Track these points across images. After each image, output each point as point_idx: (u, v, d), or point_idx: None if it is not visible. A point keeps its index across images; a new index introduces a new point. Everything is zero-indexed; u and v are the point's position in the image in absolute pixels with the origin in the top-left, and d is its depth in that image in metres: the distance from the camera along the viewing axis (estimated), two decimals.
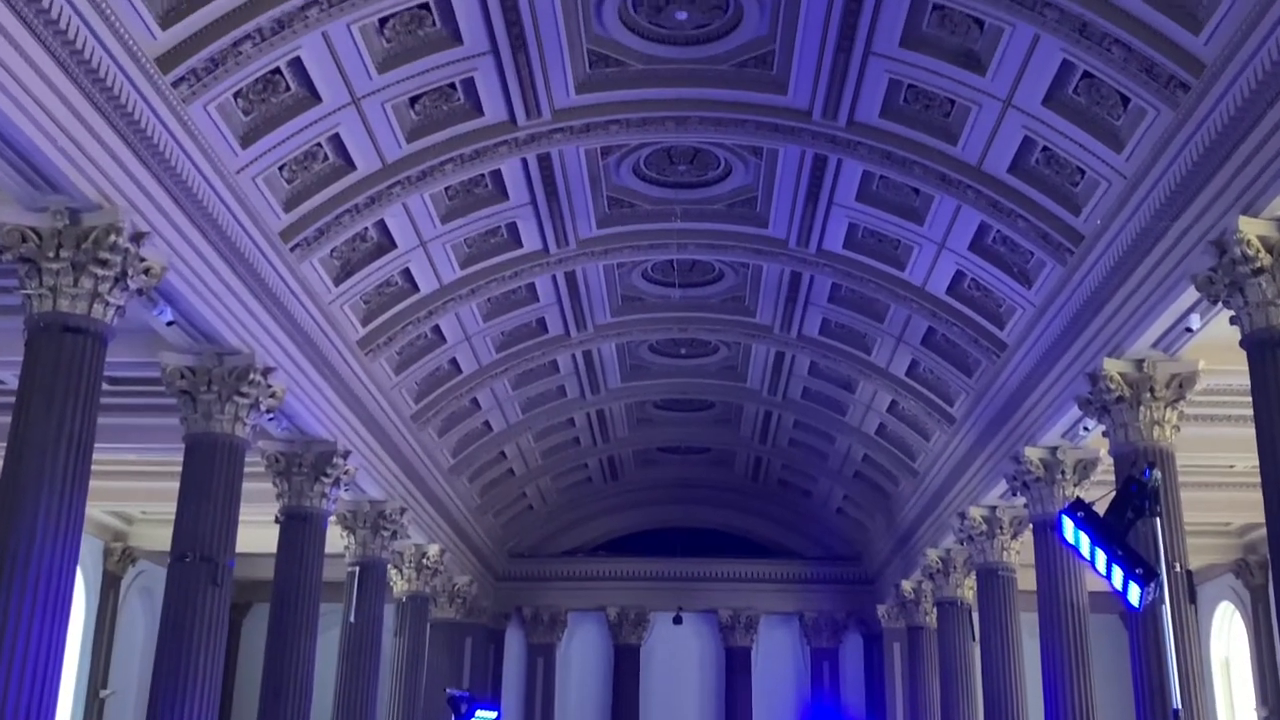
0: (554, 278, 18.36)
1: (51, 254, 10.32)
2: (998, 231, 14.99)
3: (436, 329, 18.49)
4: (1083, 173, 13.10)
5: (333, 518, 17.54)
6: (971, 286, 16.58)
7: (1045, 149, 13.26)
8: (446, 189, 15.37)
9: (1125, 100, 11.81)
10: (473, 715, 15.78)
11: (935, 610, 23.06)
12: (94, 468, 10.68)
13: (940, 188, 14.61)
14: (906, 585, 24.90)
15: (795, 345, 20.75)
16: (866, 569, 28.92)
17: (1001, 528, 19.24)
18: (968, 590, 21.70)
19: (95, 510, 21.66)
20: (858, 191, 15.77)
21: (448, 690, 16.51)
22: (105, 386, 11.13)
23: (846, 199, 16.00)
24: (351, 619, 18.44)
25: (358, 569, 18.95)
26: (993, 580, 19.10)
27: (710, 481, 29.44)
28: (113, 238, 10.49)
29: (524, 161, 15.16)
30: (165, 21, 10.63)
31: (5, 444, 10.31)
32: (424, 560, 22.67)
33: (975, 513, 19.37)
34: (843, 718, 27.81)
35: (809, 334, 20.26)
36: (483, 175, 15.36)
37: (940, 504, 21.64)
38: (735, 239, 17.63)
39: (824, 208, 16.29)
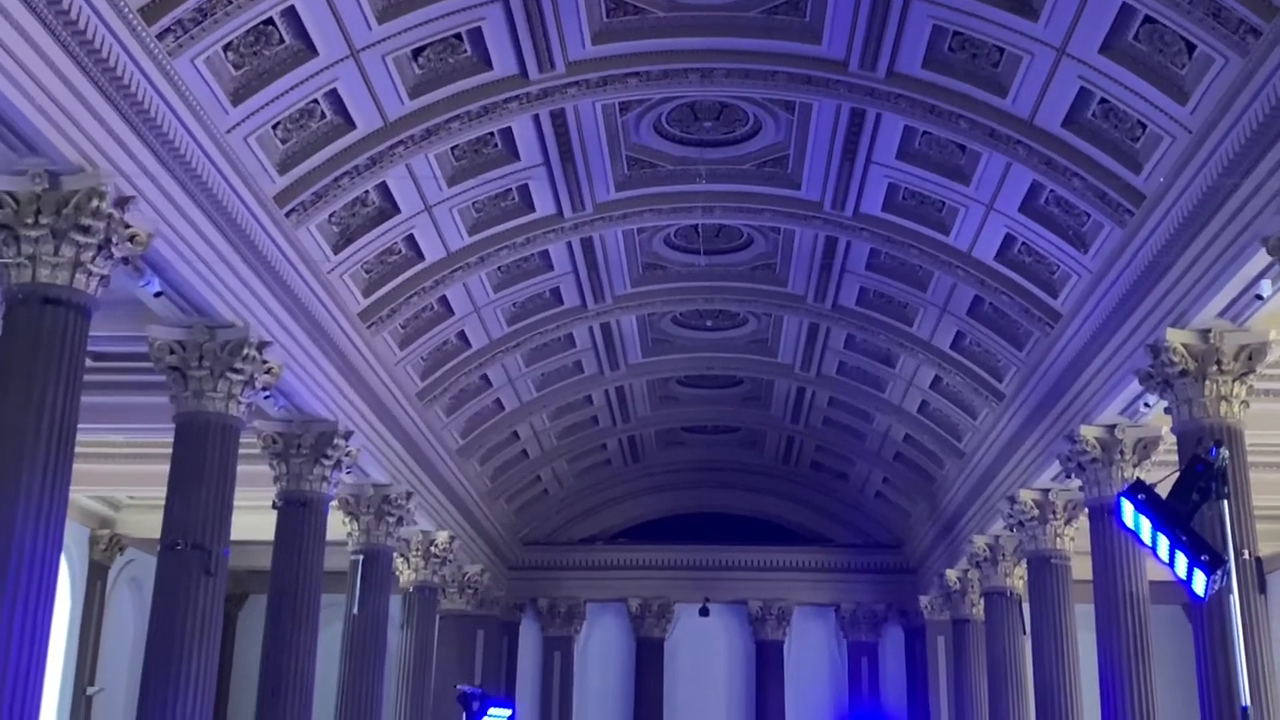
0: (569, 244, 18.32)
1: (30, 220, 10.33)
2: (1051, 191, 14.85)
3: (443, 300, 18.49)
4: (1144, 127, 12.94)
5: (334, 503, 17.61)
6: (1022, 252, 16.45)
7: (1103, 101, 13.11)
8: (453, 149, 15.33)
9: (1190, 47, 11.65)
10: (485, 713, 15.89)
11: (983, 601, 23.04)
12: (78, 450, 10.71)
13: (988, 144, 14.47)
14: (951, 575, 24.87)
15: (830, 317, 20.67)
16: (908, 557, 28.90)
17: (1055, 512, 19.16)
18: (1018, 580, 21.67)
19: (80, 496, 21.80)
20: (898, 149, 15.65)
21: (458, 686, 16.62)
22: (89, 363, 11.15)
23: (886, 157, 15.87)
24: (355, 611, 18.52)
25: (361, 557, 19.00)
26: (1045, 569, 19.03)
27: (738, 464, 29.43)
28: (95, 203, 10.49)
29: (536, 119, 15.09)
30: None
31: None
32: (432, 548, 22.76)
33: (1026, 496, 19.29)
34: (883, 715, 27.82)
35: (845, 304, 20.17)
36: (492, 134, 15.30)
37: (988, 487, 21.57)
38: (765, 201, 17.53)
39: (861, 167, 16.17)
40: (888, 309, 19.88)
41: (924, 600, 27.33)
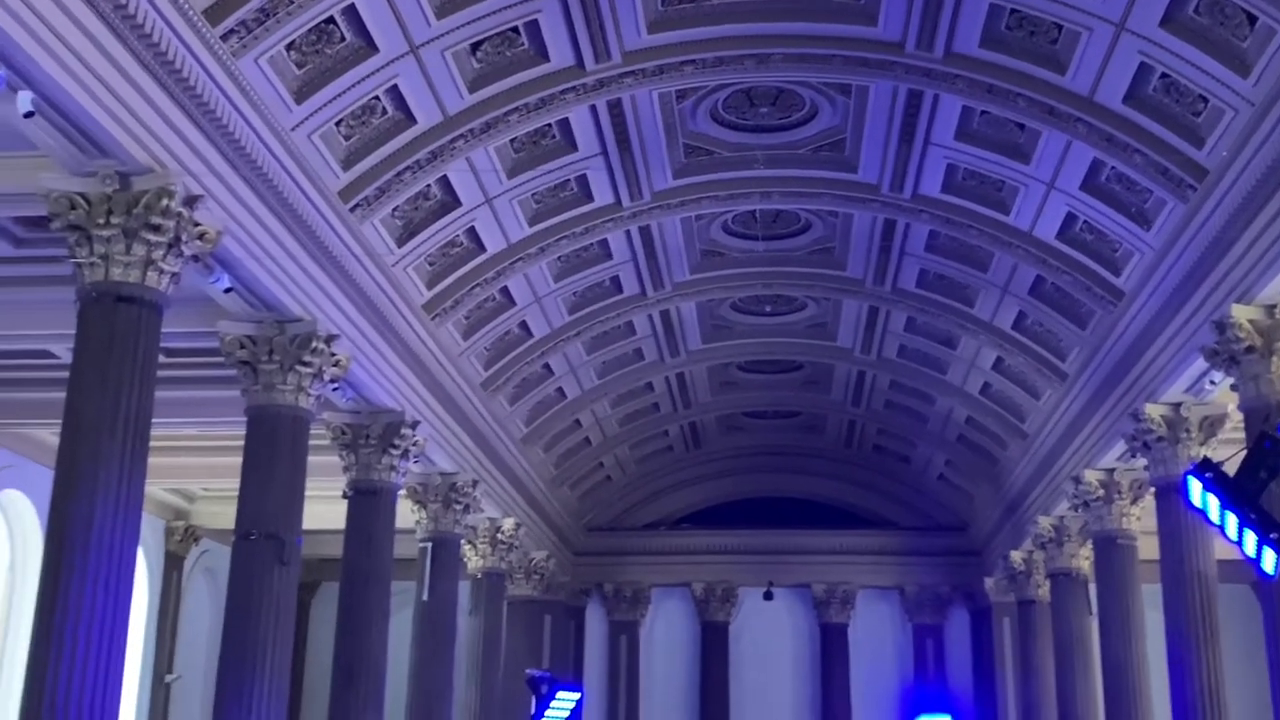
0: (628, 233, 18.33)
1: (101, 220, 10.50)
2: (1112, 169, 14.64)
3: (505, 291, 18.58)
4: (1206, 101, 12.71)
5: (402, 492, 17.77)
6: (1084, 230, 16.23)
7: (1164, 76, 12.89)
8: (512, 141, 15.39)
9: (1251, 19, 11.42)
10: (554, 697, 15.96)
11: (1048, 582, 22.78)
12: (152, 444, 10.88)
13: (1048, 122, 14.29)
14: (1016, 556, 24.63)
15: (890, 300, 20.52)
16: (972, 539, 28.65)
17: (1120, 492, 18.91)
18: (1084, 560, 21.41)
19: (155, 488, 22.15)
20: (956, 129, 15.48)
21: (527, 671, 16.71)
22: (162, 359, 11.30)
23: (944, 138, 15.71)
24: (425, 597, 18.71)
25: (430, 545, 19.18)
26: (1111, 549, 18.80)
27: (800, 448, 29.33)
28: (165, 202, 10.64)
29: (593, 109, 15.10)
30: None
31: (61, 421, 10.56)
32: (499, 535, 22.91)
33: (1091, 476, 19.05)
34: (948, 698, 27.65)
35: (905, 287, 20.02)
36: (550, 125, 15.34)
37: (1052, 468, 21.34)
38: (823, 185, 17.42)
39: (919, 148, 16.02)
40: (948, 290, 19.69)
41: (989, 582, 27.10)
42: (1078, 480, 19.33)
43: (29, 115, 9.54)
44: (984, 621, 28.09)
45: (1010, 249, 17.26)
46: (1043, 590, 23.61)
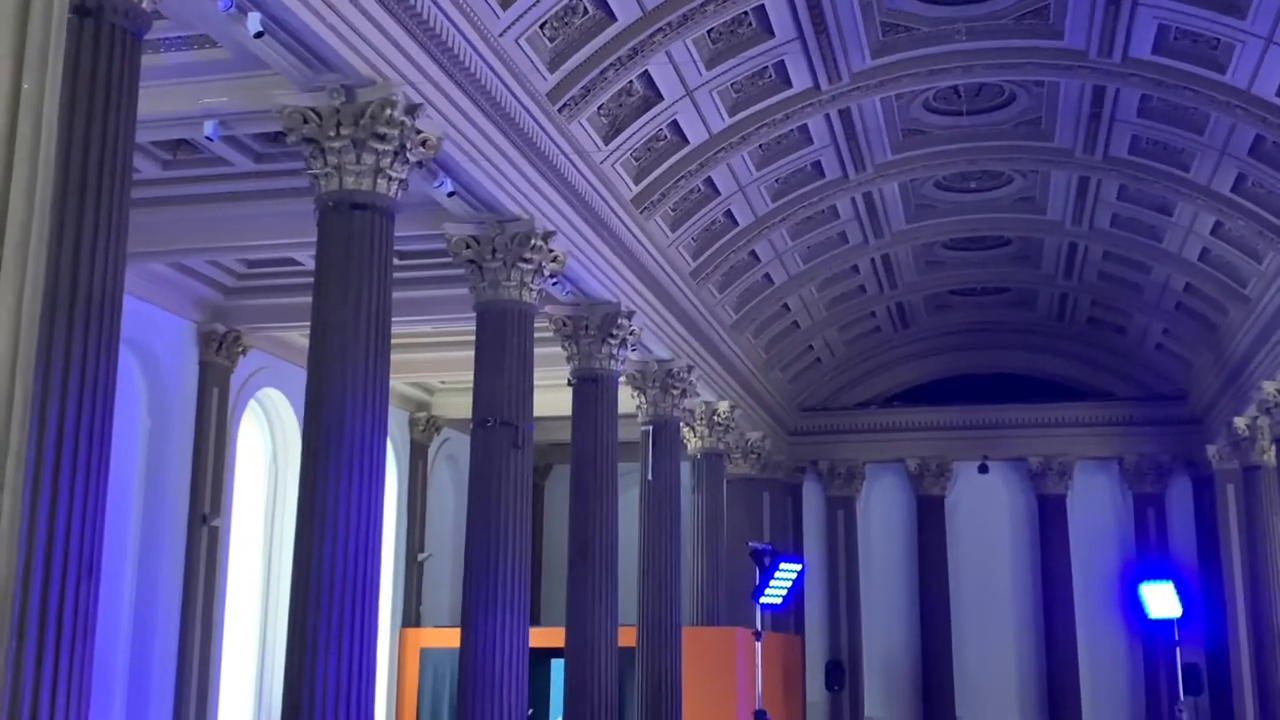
0: (828, 117, 17.93)
1: (332, 132, 10.83)
2: None
3: (709, 181, 18.49)
4: None
5: (622, 379, 18.07)
6: None
7: None
8: (709, 32, 15.17)
9: None
10: (777, 568, 16.15)
11: (1274, 447, 21.79)
12: (393, 342, 11.29)
13: None
14: (1240, 422, 23.48)
15: (1101, 168, 19.56)
16: (1193, 407, 27.43)
17: None
18: None
19: (398, 383, 23.01)
20: None
21: (750, 544, 16.92)
22: (396, 261, 11.67)
23: None
24: (650, 477, 19.15)
25: (651, 428, 19.58)
26: None
27: (1011, 324, 28.51)
28: (388, 111, 10.90)
29: None
30: None
31: (309, 323, 11.08)
32: (715, 417, 23.15)
33: None
34: (1171, 565, 26.76)
35: (1116, 154, 19.03)
36: (745, 13, 15.04)
37: (1276, 332, 20.19)
38: (1027, 55, 16.62)
39: (1128, 9, 15.10)
40: (1162, 156, 18.65)
41: (1211, 449, 25.97)
42: None
43: (259, 35, 9.88)
44: (1207, 489, 26.97)
45: (1227, 109, 16.18)
46: (1268, 455, 22.54)
